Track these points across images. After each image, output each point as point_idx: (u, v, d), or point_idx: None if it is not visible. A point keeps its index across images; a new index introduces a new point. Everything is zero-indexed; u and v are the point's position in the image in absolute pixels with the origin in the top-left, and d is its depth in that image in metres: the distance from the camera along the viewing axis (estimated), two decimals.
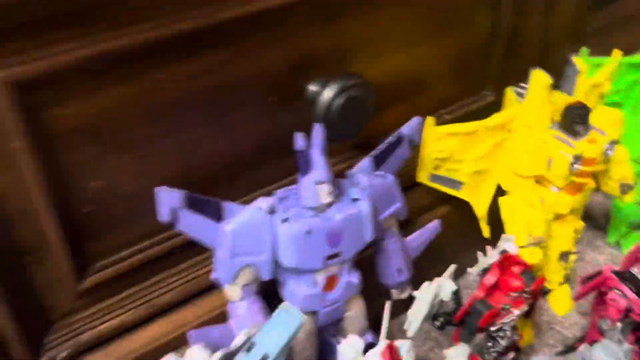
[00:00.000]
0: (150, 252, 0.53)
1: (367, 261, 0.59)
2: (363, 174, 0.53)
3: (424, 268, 0.61)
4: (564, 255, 0.71)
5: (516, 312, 0.54)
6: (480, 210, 0.67)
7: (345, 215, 0.50)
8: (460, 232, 0.71)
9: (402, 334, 0.58)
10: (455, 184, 0.65)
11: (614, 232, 0.84)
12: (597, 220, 0.87)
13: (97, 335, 0.52)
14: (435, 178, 0.64)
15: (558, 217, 0.67)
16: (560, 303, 0.73)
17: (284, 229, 0.48)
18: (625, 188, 0.68)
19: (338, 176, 0.54)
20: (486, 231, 0.69)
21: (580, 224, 0.70)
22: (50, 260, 0.47)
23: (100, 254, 0.50)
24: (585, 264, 0.80)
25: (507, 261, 0.54)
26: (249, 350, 0.43)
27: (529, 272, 0.56)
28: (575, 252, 0.72)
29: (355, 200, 0.51)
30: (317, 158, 0.49)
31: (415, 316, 0.57)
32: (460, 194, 0.66)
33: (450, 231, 0.67)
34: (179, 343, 0.56)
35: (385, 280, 0.59)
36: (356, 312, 0.56)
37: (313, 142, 0.48)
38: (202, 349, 0.45)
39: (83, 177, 0.47)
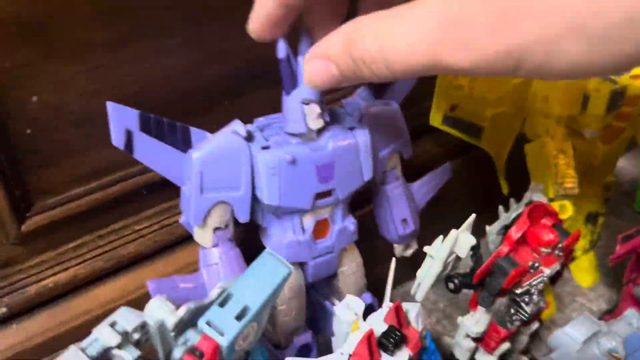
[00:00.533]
0: (111, 191, 0.44)
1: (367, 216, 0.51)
2: (360, 100, 0.45)
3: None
4: (592, 217, 0.62)
5: (547, 271, 0.45)
6: (500, 161, 0.59)
7: (339, 144, 0.41)
8: (472, 191, 0.63)
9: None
10: (474, 128, 0.56)
11: None
12: (622, 185, 0.78)
13: (43, 291, 0.44)
14: (450, 121, 0.55)
15: (588, 169, 0.58)
16: (585, 273, 0.65)
17: (264, 157, 0.39)
18: None
19: (332, 104, 0.45)
20: (505, 187, 0.60)
21: (612, 180, 0.61)
22: None
23: (47, 189, 0.42)
24: (608, 231, 0.71)
25: (536, 211, 0.45)
26: (223, 303, 0.34)
27: (561, 225, 0.47)
28: (604, 214, 0.63)
29: (351, 129, 0.43)
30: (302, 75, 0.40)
31: (426, 276, 0.48)
32: (479, 141, 0.57)
33: (462, 184, 0.59)
34: (145, 305, 0.48)
35: (387, 234, 0.51)
36: (352, 267, 0.48)
37: (300, 49, 0.39)
38: (164, 301, 0.37)
39: (21, 89, 0.38)
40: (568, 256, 0.49)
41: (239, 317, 0.33)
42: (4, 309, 0.42)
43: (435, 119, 0.55)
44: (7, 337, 0.43)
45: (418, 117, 0.56)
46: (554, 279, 0.51)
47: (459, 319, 0.51)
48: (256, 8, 0.36)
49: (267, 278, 0.35)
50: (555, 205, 0.52)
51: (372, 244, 0.50)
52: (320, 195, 0.42)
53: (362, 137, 0.42)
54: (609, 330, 0.42)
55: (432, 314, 0.63)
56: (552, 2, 0.25)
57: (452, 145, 0.62)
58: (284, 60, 0.38)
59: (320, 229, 0.44)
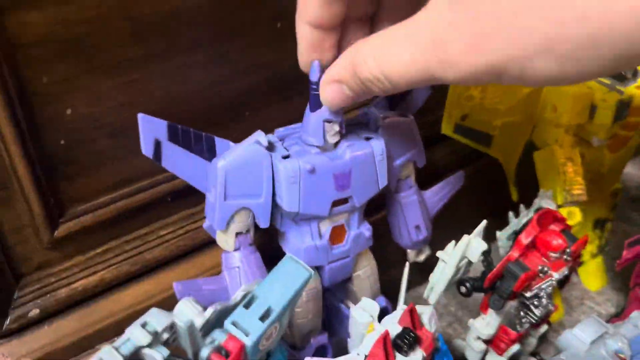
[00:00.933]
0: (137, 198, 0.47)
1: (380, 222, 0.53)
2: (376, 112, 0.47)
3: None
4: (600, 223, 0.63)
5: (555, 275, 0.47)
6: (510, 169, 0.60)
7: (355, 154, 0.43)
8: (482, 197, 0.65)
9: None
10: (484, 137, 0.58)
11: None
12: (629, 191, 0.80)
13: (73, 293, 0.46)
14: (461, 129, 0.57)
15: (596, 177, 0.59)
16: (593, 277, 0.66)
17: (285, 166, 0.41)
18: None
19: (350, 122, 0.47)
20: (515, 194, 0.62)
21: (619, 186, 0.62)
22: (19, 202, 0.41)
23: (78, 197, 0.44)
24: (616, 236, 0.72)
25: (545, 217, 0.47)
26: (248, 305, 0.36)
27: (569, 231, 0.49)
28: (612, 220, 0.64)
29: (368, 139, 0.45)
30: None
31: (439, 280, 0.50)
32: (489, 149, 0.59)
33: (472, 196, 0.61)
34: (169, 307, 0.50)
35: (401, 240, 0.53)
36: (367, 271, 0.50)
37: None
38: (193, 303, 0.39)
39: (57, 103, 0.41)
40: (576, 261, 0.50)
41: (262, 318, 0.35)
42: (37, 310, 0.45)
43: (447, 128, 0.57)
44: (39, 338, 0.45)
45: (431, 126, 0.59)
46: (563, 282, 0.53)
47: (470, 322, 0.53)
48: (298, 40, 0.39)
49: (289, 281, 0.37)
50: (564, 212, 0.54)
51: (385, 249, 0.52)
52: (337, 203, 0.44)
53: (378, 147, 0.44)
54: (616, 332, 0.44)
55: (443, 317, 0.65)
56: (524, 25, 0.28)
57: (464, 154, 0.64)
58: (315, 83, 0.40)
59: (337, 234, 0.46)
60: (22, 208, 0.42)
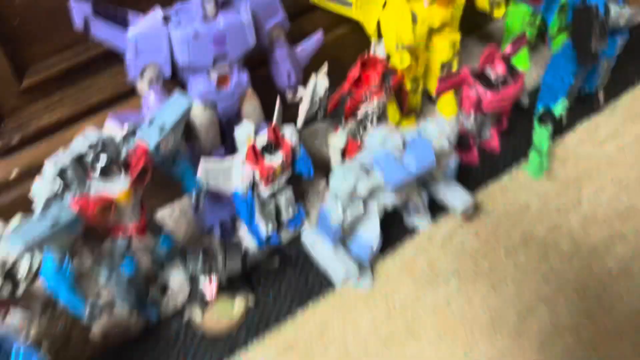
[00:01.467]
0: (79, 59, 0.66)
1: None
2: None
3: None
4: (445, 66, 0.83)
5: (375, 101, 0.68)
6: (370, 27, 0.79)
7: (228, 21, 0.62)
8: (356, 49, 0.83)
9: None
10: (344, 2, 0.76)
11: (505, 43, 0.95)
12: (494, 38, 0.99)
13: (41, 128, 0.66)
14: None
15: (434, 30, 0.78)
16: (446, 107, 0.87)
17: (175, 33, 0.60)
18: (494, 3, 0.78)
19: None
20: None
21: (457, 37, 0.81)
22: None
23: (35, 58, 0.63)
24: None
25: (368, 61, 0.67)
26: (150, 124, 0.57)
27: (390, 70, 0.68)
28: (454, 60, 0.83)
29: (238, 10, 0.62)
30: None
31: (301, 110, 0.70)
32: (351, 12, 0.77)
33: (348, 49, 0.79)
34: None
35: (278, 84, 0.72)
36: (251, 107, 0.70)
37: None
38: (116, 123, 0.59)
39: None
40: (398, 91, 0.71)
41: (160, 130, 0.56)
42: (17, 138, 0.65)
43: None
44: (20, 157, 0.66)
45: None
46: (402, 106, 0.74)
47: (330, 139, 0.74)
48: None
49: (177, 108, 0.57)
50: (397, 58, 0.73)
51: (270, 94, 0.72)
52: (218, 57, 0.63)
53: (245, 16, 0.62)
54: (401, 135, 0.65)
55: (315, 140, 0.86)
56: None
57: (334, 18, 0.81)
58: None
59: (222, 81, 0.65)
60: None
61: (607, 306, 0.69)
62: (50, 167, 0.54)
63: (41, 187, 0.54)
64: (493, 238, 0.76)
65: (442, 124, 0.64)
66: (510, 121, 0.85)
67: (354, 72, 0.66)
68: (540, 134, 0.76)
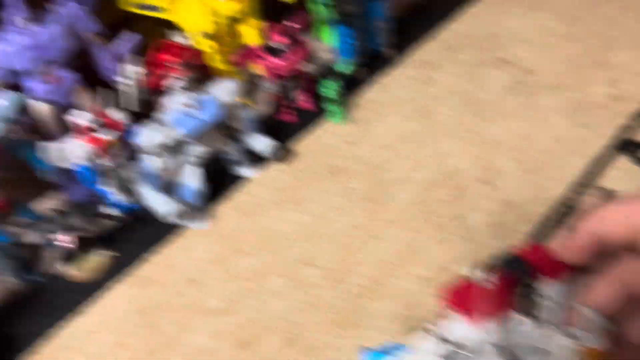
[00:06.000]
0: None
1: None
2: (60, 5, 0.82)
3: None
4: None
5: (173, 76, 0.86)
6: (185, 26, 0.97)
7: (45, 32, 0.79)
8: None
9: None
10: (154, 8, 0.95)
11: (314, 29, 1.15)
12: None
13: None
14: (137, 5, 0.94)
15: (236, 20, 0.98)
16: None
17: (2, 45, 0.77)
18: None
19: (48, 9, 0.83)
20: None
21: (260, 23, 1.01)
22: None
23: None
24: None
25: (162, 45, 0.86)
26: None
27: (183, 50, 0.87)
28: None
29: (53, 23, 0.80)
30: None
31: (128, 95, 0.88)
32: (164, 15, 0.96)
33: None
34: None
35: (103, 77, 0.90)
36: (85, 100, 0.88)
37: None
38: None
39: None
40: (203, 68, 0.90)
41: (3, 122, 0.73)
42: None
43: (124, 4, 0.93)
44: None
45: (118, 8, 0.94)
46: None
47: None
48: None
49: (11, 103, 0.75)
50: (202, 42, 0.92)
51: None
52: (43, 62, 0.80)
53: (57, 26, 0.80)
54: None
55: None
56: None
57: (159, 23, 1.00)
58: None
59: (51, 79, 0.83)
60: None
61: (385, 203, 0.88)
62: None
63: None
64: (307, 174, 0.95)
65: (225, 84, 0.84)
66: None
67: (148, 55, 0.84)
68: (325, 85, 0.96)
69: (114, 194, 0.90)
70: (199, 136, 0.81)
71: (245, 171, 0.94)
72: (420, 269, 0.80)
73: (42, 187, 0.96)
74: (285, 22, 0.95)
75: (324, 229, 0.86)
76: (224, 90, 0.82)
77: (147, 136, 0.78)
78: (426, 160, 0.94)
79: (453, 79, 1.07)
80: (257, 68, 1.05)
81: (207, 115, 0.80)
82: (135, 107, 0.89)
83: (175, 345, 0.76)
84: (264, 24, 1.02)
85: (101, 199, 0.90)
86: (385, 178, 0.92)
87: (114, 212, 0.87)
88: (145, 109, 0.96)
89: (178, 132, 0.79)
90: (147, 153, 0.79)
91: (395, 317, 0.76)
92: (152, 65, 0.85)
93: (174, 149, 0.81)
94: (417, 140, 0.97)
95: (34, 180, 0.92)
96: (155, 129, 0.78)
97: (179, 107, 0.80)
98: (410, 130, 0.99)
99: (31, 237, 0.84)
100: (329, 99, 0.98)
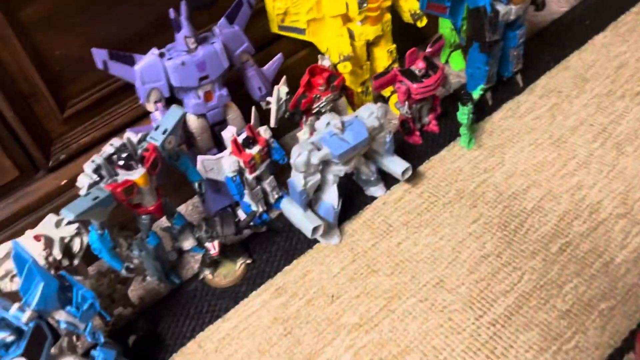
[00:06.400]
0: (104, 92, 0.89)
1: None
2: (218, 27, 0.87)
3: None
4: (386, 70, 1.04)
5: (324, 98, 0.89)
6: (322, 47, 1.01)
7: (205, 51, 0.84)
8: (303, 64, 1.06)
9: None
10: (299, 30, 0.99)
11: (444, 54, 1.17)
12: None
13: (79, 146, 0.90)
14: (283, 28, 0.98)
15: (371, 43, 1.00)
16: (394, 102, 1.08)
17: (169, 63, 0.83)
18: (416, 16, 1.00)
19: (208, 31, 0.88)
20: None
21: (393, 46, 1.03)
22: (43, 100, 0.84)
23: (71, 95, 0.87)
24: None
25: (315, 69, 0.89)
26: (156, 129, 0.80)
27: (334, 74, 0.91)
28: (394, 65, 1.05)
29: (213, 43, 0.86)
30: (183, 23, 0.83)
31: (272, 113, 0.93)
32: (305, 37, 1.00)
33: (306, 67, 1.02)
34: None
35: (253, 96, 0.95)
36: (234, 115, 0.93)
37: (181, 13, 0.82)
38: (132, 133, 0.82)
39: (50, 50, 0.82)
40: (342, 89, 0.93)
41: (163, 132, 0.79)
42: (63, 156, 0.88)
43: (274, 28, 0.97)
44: (67, 172, 0.89)
45: (265, 28, 0.99)
46: (351, 102, 0.96)
47: (297, 134, 0.96)
48: None
49: (174, 116, 0.80)
50: (341, 66, 0.95)
51: (248, 104, 0.94)
52: (202, 78, 0.86)
53: (217, 46, 0.85)
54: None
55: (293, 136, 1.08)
56: None
57: (296, 43, 1.04)
58: (174, 19, 0.81)
59: (208, 95, 0.88)
60: (46, 102, 0.84)
61: (523, 235, 0.88)
62: (88, 166, 0.77)
63: (83, 179, 0.77)
64: (433, 196, 0.96)
65: (371, 108, 0.86)
66: (448, 108, 1.06)
67: (304, 78, 0.88)
68: (461, 111, 0.97)
69: (253, 205, 0.94)
70: (344, 157, 0.84)
71: (375, 191, 0.97)
72: (560, 302, 0.80)
73: (189, 195, 1.03)
74: (427, 49, 0.97)
75: (458, 254, 0.87)
76: (369, 114, 0.85)
77: (296, 154, 0.82)
78: (561, 191, 0.93)
79: (584, 108, 1.06)
80: (387, 91, 1.07)
81: (354, 138, 0.83)
82: (276, 125, 0.93)
83: (316, 357, 0.79)
84: (396, 48, 1.05)
85: (242, 209, 0.95)
86: (519, 207, 0.92)
87: (253, 222, 0.91)
88: (285, 128, 1.01)
89: (326, 153, 0.82)
90: (295, 170, 0.83)
91: (536, 350, 0.76)
92: (304, 87, 0.89)
93: (318, 167, 0.84)
94: (551, 170, 0.96)
95: (183, 188, 0.98)
96: (304, 147, 0.82)
97: (328, 128, 0.84)
98: (543, 160, 0.98)
99: (179, 242, 0.90)
100: (460, 124, 0.99)
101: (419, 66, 0.95)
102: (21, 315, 0.66)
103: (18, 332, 0.66)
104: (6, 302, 0.68)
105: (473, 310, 0.81)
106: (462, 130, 1.00)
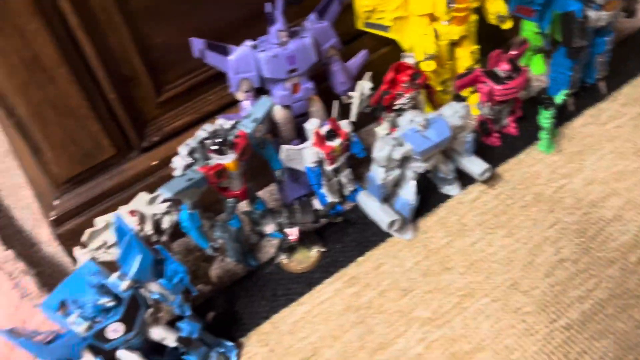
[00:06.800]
0: (195, 80, 0.94)
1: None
2: (309, 22, 0.90)
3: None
4: (468, 70, 1.05)
5: (407, 95, 0.91)
6: (405, 44, 1.03)
7: (296, 45, 0.88)
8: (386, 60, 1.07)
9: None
10: (384, 27, 1.00)
11: (524, 57, 1.16)
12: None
13: (171, 130, 0.95)
14: (369, 25, 1.00)
15: (455, 43, 1.01)
16: (473, 103, 1.09)
17: (261, 55, 0.87)
18: (501, 19, 1.00)
19: (298, 25, 0.91)
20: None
21: (476, 47, 1.04)
22: (142, 84, 0.89)
23: (167, 81, 0.92)
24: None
25: (400, 66, 0.91)
26: (247, 117, 0.84)
27: (418, 72, 0.92)
28: (476, 66, 1.05)
29: (303, 37, 0.89)
30: (278, 16, 0.86)
31: (353, 107, 0.95)
32: (389, 34, 1.02)
33: (389, 64, 1.03)
34: None
35: (336, 90, 0.98)
36: (317, 108, 0.95)
37: (276, 6, 0.85)
38: (224, 120, 0.86)
39: (152, 37, 0.87)
40: (425, 87, 0.94)
41: (253, 121, 0.82)
42: (157, 137, 0.93)
43: (359, 25, 1.00)
44: (159, 152, 0.94)
45: (352, 24, 1.01)
46: (432, 102, 0.97)
47: (376, 129, 0.98)
48: None
49: (263, 106, 0.84)
50: (424, 64, 0.97)
51: (333, 98, 0.97)
52: (291, 71, 0.89)
53: (308, 40, 0.88)
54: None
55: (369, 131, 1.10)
56: None
57: (378, 40, 1.06)
58: (269, 13, 0.84)
59: (295, 88, 0.91)
60: (144, 86, 0.89)
61: (600, 243, 0.88)
62: (183, 148, 0.81)
63: (178, 161, 0.81)
64: (510, 199, 0.96)
65: (455, 106, 0.87)
66: (527, 111, 1.06)
67: (389, 74, 0.90)
68: (543, 115, 0.96)
69: (329, 196, 0.97)
70: (426, 154, 0.85)
71: (450, 189, 0.98)
72: (637, 313, 0.79)
73: (266, 182, 1.07)
74: (510, 51, 0.97)
75: (534, 257, 0.87)
76: (453, 113, 0.86)
77: (379, 149, 0.84)
78: None
79: None
80: (467, 91, 1.08)
81: (437, 136, 0.84)
82: (356, 119, 0.96)
83: (388, 347, 0.81)
84: (480, 49, 1.05)
85: (318, 199, 0.98)
86: (598, 215, 0.91)
87: (329, 212, 0.94)
88: (362, 122, 1.04)
89: (409, 149, 0.84)
90: (377, 164, 0.85)
91: (611, 357, 0.75)
92: (389, 83, 0.91)
93: (399, 163, 0.86)
94: (632, 180, 0.95)
95: (261, 176, 1.02)
96: (387, 142, 0.84)
97: (412, 125, 0.85)
98: (624, 169, 0.97)
99: (260, 226, 0.94)
100: (540, 128, 0.99)
101: (503, 68, 0.95)
102: (120, 283, 0.71)
103: (116, 299, 0.71)
104: (106, 271, 0.73)
105: (547, 313, 0.81)
106: (542, 134, 1.00)
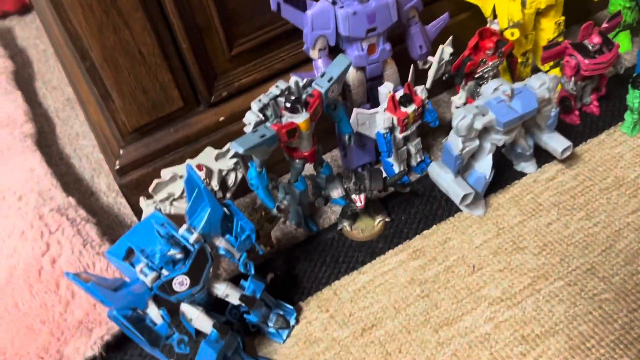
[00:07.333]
0: (268, 35, 0.90)
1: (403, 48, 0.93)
2: None
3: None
4: (552, 41, 0.99)
5: (490, 63, 0.86)
6: (486, 11, 0.97)
7: (377, 3, 0.83)
8: (474, 30, 1.02)
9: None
10: None
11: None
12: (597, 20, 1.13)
13: (240, 86, 0.92)
14: None
15: (540, 13, 0.95)
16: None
17: (341, 11, 0.83)
18: None
19: None
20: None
21: (562, 18, 0.97)
22: (215, 35, 0.86)
23: (241, 34, 0.89)
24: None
25: (485, 32, 0.86)
26: (322, 75, 0.80)
27: (502, 40, 0.87)
28: (560, 38, 1.00)
29: None
30: None
31: (430, 72, 0.91)
32: (474, 0, 0.96)
33: (468, 31, 0.98)
34: None
35: (412, 54, 0.93)
36: (391, 71, 0.91)
37: None
38: (297, 77, 0.83)
39: None
40: (509, 56, 0.89)
41: (329, 80, 0.79)
42: (225, 92, 0.91)
43: None
44: (227, 107, 0.92)
45: None
46: (513, 73, 0.92)
47: (452, 98, 0.93)
48: None
49: (340, 65, 0.80)
50: (508, 32, 0.91)
51: (406, 62, 0.93)
52: (369, 30, 0.85)
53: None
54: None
55: (439, 103, 1.06)
56: None
57: (458, 5, 1.01)
58: None
59: (371, 49, 0.87)
60: (217, 38, 0.87)
61: None
62: (255, 104, 0.79)
63: (250, 116, 0.78)
64: (589, 180, 0.91)
65: (543, 77, 0.82)
66: (610, 90, 1.00)
67: (473, 40, 0.85)
68: (632, 95, 0.90)
69: (396, 165, 0.93)
70: (509, 126, 0.81)
71: (526, 167, 0.93)
72: None
73: (328, 148, 1.04)
74: (602, 24, 0.91)
75: (613, 243, 0.83)
76: (541, 84, 0.81)
77: (460, 117, 0.79)
78: None
79: None
80: (547, 66, 1.02)
81: (522, 107, 0.79)
82: (430, 86, 0.92)
83: (454, 323, 0.78)
84: (564, 21, 0.99)
85: (383, 168, 0.95)
86: None
87: (398, 182, 0.91)
88: (433, 90, 0.99)
89: (492, 119, 0.80)
90: (456, 133, 0.81)
91: None
92: (471, 49, 0.86)
93: (479, 134, 0.82)
94: None
95: (328, 140, 0.99)
96: (469, 111, 0.80)
97: (496, 94, 0.81)
98: None
99: (326, 190, 0.91)
100: (627, 108, 0.93)
101: (593, 41, 0.89)
102: (189, 235, 0.69)
103: (184, 251, 0.69)
104: (173, 224, 0.72)
105: (627, 302, 0.76)
106: (628, 115, 0.94)
